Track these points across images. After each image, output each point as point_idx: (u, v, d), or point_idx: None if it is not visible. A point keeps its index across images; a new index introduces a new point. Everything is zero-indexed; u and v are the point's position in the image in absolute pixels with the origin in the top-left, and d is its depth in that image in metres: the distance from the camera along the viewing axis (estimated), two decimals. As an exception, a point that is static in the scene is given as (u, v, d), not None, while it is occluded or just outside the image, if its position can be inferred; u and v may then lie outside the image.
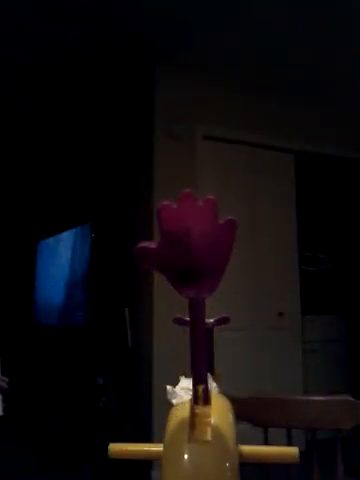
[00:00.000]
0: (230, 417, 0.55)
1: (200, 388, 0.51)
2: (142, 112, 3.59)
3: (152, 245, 0.42)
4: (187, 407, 0.53)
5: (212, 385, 0.61)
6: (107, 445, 0.62)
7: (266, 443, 1.19)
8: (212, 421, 0.51)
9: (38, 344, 4.35)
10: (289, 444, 1.17)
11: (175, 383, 0.61)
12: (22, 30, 2.91)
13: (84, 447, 2.99)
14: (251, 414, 1.16)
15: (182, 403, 0.56)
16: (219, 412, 0.54)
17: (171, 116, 3.34)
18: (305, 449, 3.04)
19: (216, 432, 0.50)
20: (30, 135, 4.34)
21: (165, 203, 0.40)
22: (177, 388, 0.60)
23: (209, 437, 0.50)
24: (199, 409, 0.51)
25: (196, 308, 0.47)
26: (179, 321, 0.69)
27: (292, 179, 3.84)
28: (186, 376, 0.60)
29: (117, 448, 0.62)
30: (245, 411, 1.15)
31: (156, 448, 0.56)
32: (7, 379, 1.11)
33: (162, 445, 0.52)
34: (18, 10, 2.69)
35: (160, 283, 3.19)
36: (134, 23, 2.89)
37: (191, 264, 0.42)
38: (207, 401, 0.52)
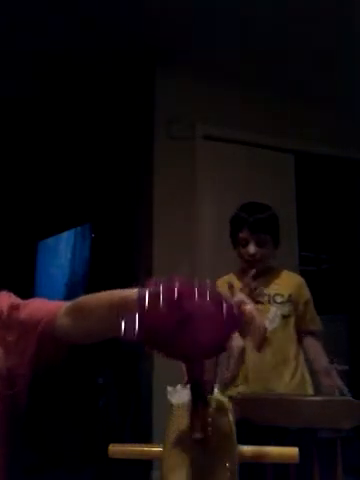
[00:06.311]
0: (230, 417, 0.55)
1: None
2: (142, 112, 3.59)
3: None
4: (187, 407, 0.53)
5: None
6: (107, 445, 0.62)
7: (266, 443, 1.19)
8: (212, 421, 0.51)
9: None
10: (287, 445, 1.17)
11: (175, 383, 0.61)
12: (22, 29, 2.91)
13: (84, 447, 2.99)
14: (251, 414, 1.16)
15: (182, 403, 0.56)
16: (219, 412, 0.54)
17: (171, 116, 3.34)
18: (305, 449, 3.04)
19: (216, 432, 0.50)
20: (30, 135, 4.34)
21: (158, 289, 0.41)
22: (177, 388, 0.60)
23: (209, 437, 0.50)
24: (199, 409, 0.51)
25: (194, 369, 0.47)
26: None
27: (292, 179, 3.83)
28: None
29: (117, 448, 0.62)
30: (245, 411, 1.14)
31: (156, 448, 0.56)
32: None
33: (162, 445, 0.52)
34: (18, 8, 2.69)
35: (160, 283, 3.18)
36: (134, 23, 2.89)
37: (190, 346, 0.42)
38: (207, 401, 0.52)
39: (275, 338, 1.79)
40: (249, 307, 0.57)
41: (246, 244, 1.79)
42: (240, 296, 0.58)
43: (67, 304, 0.83)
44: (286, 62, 3.31)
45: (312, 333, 1.91)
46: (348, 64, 3.33)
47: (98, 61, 3.29)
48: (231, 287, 1.81)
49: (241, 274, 1.84)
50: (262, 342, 0.57)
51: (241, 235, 1.79)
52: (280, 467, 1.04)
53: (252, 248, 1.77)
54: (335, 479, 1.08)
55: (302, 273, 3.91)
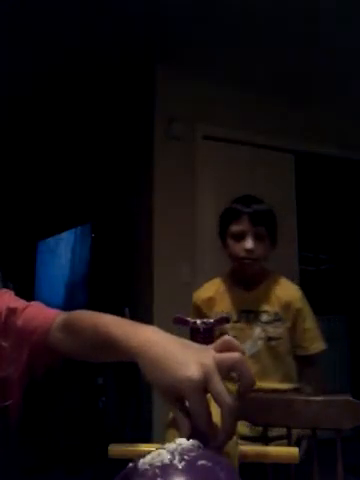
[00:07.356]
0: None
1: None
2: (142, 112, 3.59)
3: None
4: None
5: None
6: (107, 445, 0.62)
7: (266, 443, 1.19)
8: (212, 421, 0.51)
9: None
10: (289, 444, 1.17)
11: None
12: (22, 29, 2.91)
13: (84, 447, 2.99)
14: (251, 414, 1.16)
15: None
16: (219, 412, 0.54)
17: (171, 116, 3.34)
18: (305, 449, 3.04)
19: (216, 432, 0.50)
20: (30, 135, 4.34)
21: None
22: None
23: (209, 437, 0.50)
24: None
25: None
26: (179, 321, 0.69)
27: (292, 179, 3.84)
28: None
29: (117, 448, 0.62)
30: (245, 411, 1.14)
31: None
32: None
33: (162, 445, 0.52)
34: (18, 9, 2.69)
35: (160, 283, 3.19)
36: (134, 23, 2.89)
37: None
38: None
39: (255, 364, 1.50)
40: (236, 355, 0.53)
41: (241, 238, 1.51)
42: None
43: (63, 316, 0.81)
44: (286, 62, 3.31)
45: (304, 358, 1.56)
46: (348, 64, 3.33)
47: (98, 61, 3.29)
48: (210, 300, 1.59)
49: (230, 278, 1.64)
50: (244, 394, 0.54)
51: (237, 228, 1.52)
52: (280, 467, 1.03)
53: (249, 242, 1.49)
54: (335, 479, 1.08)
55: (302, 273, 3.93)
